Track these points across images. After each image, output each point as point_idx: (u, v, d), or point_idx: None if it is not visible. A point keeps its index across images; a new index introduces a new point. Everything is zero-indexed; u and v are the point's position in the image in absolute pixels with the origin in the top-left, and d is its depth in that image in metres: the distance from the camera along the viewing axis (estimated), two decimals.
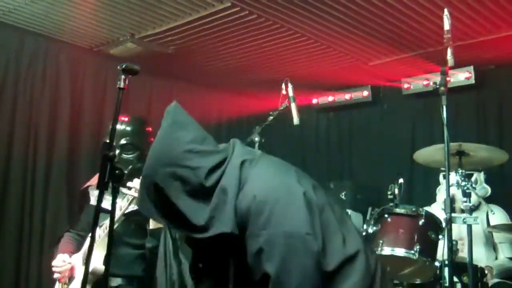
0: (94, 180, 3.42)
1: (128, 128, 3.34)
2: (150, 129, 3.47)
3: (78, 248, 3.32)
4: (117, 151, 3.25)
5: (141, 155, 3.35)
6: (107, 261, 1.93)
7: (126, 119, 3.36)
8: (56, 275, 3.17)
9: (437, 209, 4.17)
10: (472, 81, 5.07)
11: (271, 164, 1.88)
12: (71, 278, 3.16)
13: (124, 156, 3.29)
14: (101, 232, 3.06)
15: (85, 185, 3.44)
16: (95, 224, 1.91)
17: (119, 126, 3.28)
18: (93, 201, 3.31)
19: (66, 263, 3.16)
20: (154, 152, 1.82)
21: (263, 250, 1.66)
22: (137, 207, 3.10)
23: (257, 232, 1.67)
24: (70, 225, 3.53)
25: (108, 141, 2.13)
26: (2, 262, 4.39)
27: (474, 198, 3.86)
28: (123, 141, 3.29)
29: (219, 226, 1.69)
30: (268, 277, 1.65)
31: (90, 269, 2.89)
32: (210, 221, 1.70)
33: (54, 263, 3.18)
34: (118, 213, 3.04)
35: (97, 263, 2.95)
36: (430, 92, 4.90)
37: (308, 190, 1.75)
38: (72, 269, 3.15)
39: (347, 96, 6.09)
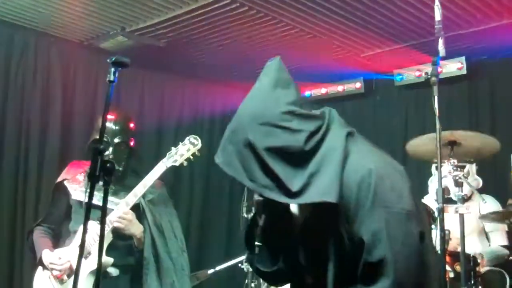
0: (68, 174, 3.45)
1: (118, 127, 3.39)
2: (133, 125, 3.51)
3: (54, 242, 3.34)
4: (111, 149, 3.29)
5: (130, 152, 3.41)
6: (100, 253, 1.92)
7: (113, 117, 3.39)
8: (55, 272, 3.17)
9: (429, 201, 4.18)
10: (464, 71, 5.08)
11: (367, 140, 1.84)
12: (70, 274, 3.16)
13: (119, 154, 3.33)
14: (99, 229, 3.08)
15: (60, 179, 3.46)
16: (87, 217, 1.90)
17: (109, 125, 3.31)
18: (74, 195, 3.33)
19: (65, 260, 3.16)
20: (248, 108, 1.72)
21: (379, 228, 1.57)
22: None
23: (374, 207, 1.58)
24: (40, 219, 3.53)
25: (97, 137, 2.13)
26: None
27: (466, 188, 3.86)
28: (116, 140, 3.34)
29: (318, 193, 1.59)
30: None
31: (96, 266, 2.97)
32: (305, 187, 1.60)
33: (50, 260, 3.18)
34: (125, 208, 3.16)
35: (102, 256, 2.99)
36: (422, 83, 4.89)
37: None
38: (71, 266, 3.15)
39: (339, 88, 6.10)
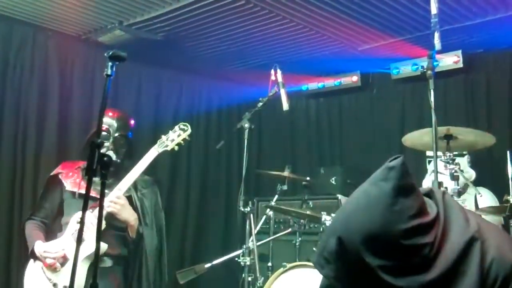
0: (62, 169, 3.52)
1: (120, 122, 3.49)
2: (133, 122, 3.61)
3: (46, 236, 3.39)
4: (111, 140, 3.38)
5: (129, 147, 3.48)
6: (97, 245, 1.94)
7: (114, 114, 3.50)
8: (49, 261, 3.20)
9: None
10: (460, 65, 5.10)
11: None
12: (63, 263, 3.19)
13: (118, 146, 3.43)
14: (93, 217, 3.11)
15: (54, 172, 3.50)
16: (84, 209, 1.92)
17: (110, 120, 3.40)
18: (68, 186, 3.39)
19: (59, 248, 3.19)
20: (361, 222, 1.41)
21: None
22: (125, 194, 3.23)
23: None
24: (32, 212, 3.56)
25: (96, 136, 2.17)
26: None
27: (461, 181, 3.89)
28: (117, 133, 3.45)
29: None
30: None
31: (90, 251, 3.01)
32: None
33: (44, 249, 3.21)
34: (118, 193, 3.22)
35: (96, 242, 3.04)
36: (419, 77, 4.92)
37: None
38: (64, 255, 3.19)
39: (336, 82, 6.10)
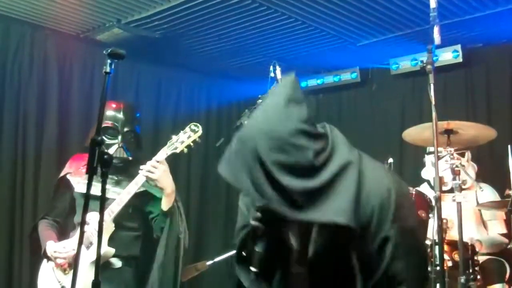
0: (70, 167, 3.46)
1: (127, 115, 3.38)
2: (139, 114, 3.52)
3: (59, 235, 3.35)
4: (120, 137, 3.29)
5: (138, 141, 3.42)
6: (99, 244, 1.93)
7: (120, 106, 3.39)
8: (59, 261, 3.18)
9: (426, 189, 4.19)
10: (460, 59, 5.08)
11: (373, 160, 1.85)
12: (71, 264, 3.17)
13: (128, 143, 3.33)
14: (106, 217, 3.08)
15: (63, 173, 3.47)
16: (85, 209, 1.91)
17: (116, 113, 3.32)
18: (77, 188, 3.33)
19: (69, 249, 3.17)
20: (260, 122, 1.68)
21: (392, 244, 1.66)
22: (143, 189, 3.18)
23: (394, 225, 1.66)
24: (45, 212, 3.54)
25: (98, 133, 2.13)
26: None
27: (463, 176, 3.88)
28: (126, 129, 3.34)
29: (331, 213, 1.59)
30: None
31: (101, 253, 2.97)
32: (317, 204, 1.60)
33: (54, 249, 3.19)
34: (127, 197, 3.13)
35: (104, 246, 3.00)
36: (418, 72, 4.89)
37: None
38: (74, 255, 3.17)
39: (335, 78, 6.09)
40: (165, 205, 3.19)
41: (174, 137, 3.20)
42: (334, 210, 1.59)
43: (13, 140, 4.58)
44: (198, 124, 3.20)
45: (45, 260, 3.29)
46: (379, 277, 1.66)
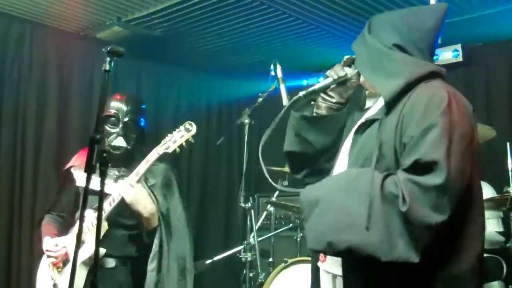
0: (76, 160, 3.43)
1: (129, 106, 3.31)
2: (145, 106, 3.48)
3: (61, 230, 3.32)
4: (121, 126, 3.25)
5: (141, 132, 3.37)
6: (97, 242, 1.92)
7: (124, 97, 3.35)
8: (50, 260, 3.17)
9: None
10: (460, 58, 5.08)
11: None
12: (65, 262, 3.16)
13: (128, 132, 3.29)
14: (95, 217, 3.06)
15: (67, 166, 3.44)
16: (83, 206, 1.91)
17: (120, 104, 3.28)
18: (78, 182, 3.31)
19: (60, 247, 3.15)
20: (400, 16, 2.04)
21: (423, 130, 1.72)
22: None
23: (443, 116, 1.74)
24: (50, 207, 3.52)
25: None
26: None
27: None
28: (126, 118, 3.28)
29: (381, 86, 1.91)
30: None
31: (91, 252, 2.94)
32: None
33: (46, 247, 3.17)
34: (118, 197, 3.06)
35: (94, 246, 2.96)
36: None
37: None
38: (66, 253, 3.15)
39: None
40: (144, 225, 3.13)
41: (168, 136, 3.13)
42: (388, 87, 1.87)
43: (12, 137, 4.58)
44: (193, 123, 3.12)
45: (44, 256, 3.27)
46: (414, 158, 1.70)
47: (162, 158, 3.19)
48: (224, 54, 5.60)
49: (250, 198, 4.13)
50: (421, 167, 1.66)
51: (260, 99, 4.08)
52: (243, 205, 4.02)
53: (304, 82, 6.32)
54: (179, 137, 3.11)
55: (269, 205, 4.69)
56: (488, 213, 4.26)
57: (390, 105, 1.86)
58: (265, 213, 4.83)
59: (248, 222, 4.07)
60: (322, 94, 2.23)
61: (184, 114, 5.62)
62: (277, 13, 4.51)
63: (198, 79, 6.20)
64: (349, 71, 2.21)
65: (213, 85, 6.31)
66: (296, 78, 6.16)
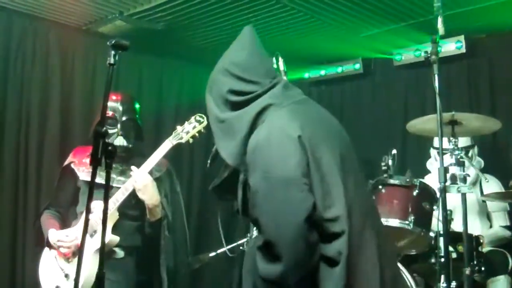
0: (74, 157, 3.49)
1: (125, 106, 3.44)
2: (138, 105, 3.54)
3: (61, 224, 3.38)
4: (119, 126, 3.33)
5: (138, 130, 3.45)
6: (103, 234, 1.94)
7: (118, 97, 3.43)
8: (63, 250, 3.20)
9: (431, 180, 4.19)
10: (463, 50, 5.06)
11: (291, 109, 1.93)
12: (75, 252, 3.19)
13: (127, 130, 3.36)
14: (110, 205, 3.11)
15: (66, 162, 3.49)
16: (89, 199, 1.92)
17: (115, 104, 3.36)
18: (82, 176, 3.36)
19: (73, 237, 3.19)
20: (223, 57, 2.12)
21: (256, 189, 1.77)
22: None
23: (255, 171, 1.79)
24: (48, 203, 3.57)
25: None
26: None
27: (471, 171, 3.90)
28: (124, 117, 3.39)
29: (224, 154, 1.95)
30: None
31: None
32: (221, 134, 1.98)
33: (58, 238, 3.21)
34: (131, 187, 3.20)
35: (108, 234, 3.05)
36: (422, 63, 4.89)
37: (306, 135, 1.81)
38: (78, 244, 3.18)
39: (338, 69, 6.07)
40: (149, 215, 3.27)
41: (179, 128, 3.25)
42: (228, 152, 1.94)
43: (15, 132, 4.58)
44: (203, 115, 3.24)
45: (46, 249, 3.31)
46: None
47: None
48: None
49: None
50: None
51: None
52: None
53: (306, 75, 6.31)
54: (191, 128, 3.23)
55: None
56: (494, 206, 4.27)
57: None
58: None
59: None
60: None
61: (186, 109, 5.60)
62: (279, 5, 4.49)
63: (200, 73, 6.17)
64: None
65: None
66: (298, 70, 6.16)
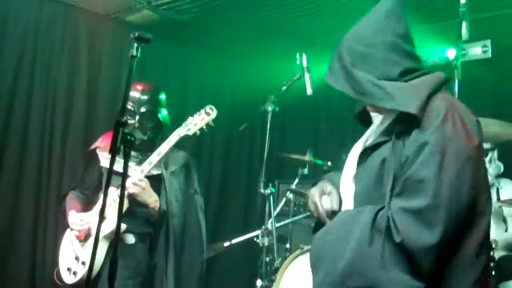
0: (101, 141, 3.51)
1: (146, 97, 3.40)
2: (164, 96, 3.54)
3: (84, 206, 3.42)
4: (137, 118, 3.33)
5: (158, 122, 3.42)
6: (119, 219, 2.00)
7: (141, 87, 3.41)
8: (74, 233, 3.27)
9: None
10: (489, 54, 5.01)
11: None
12: (87, 236, 3.26)
13: (144, 123, 3.36)
14: (117, 195, 3.15)
15: (93, 146, 3.52)
16: (107, 186, 1.97)
17: (137, 95, 3.35)
18: (103, 162, 3.39)
19: (84, 221, 3.25)
20: (356, 31, 1.94)
21: (430, 151, 1.64)
22: (154, 172, 3.26)
23: (438, 132, 1.66)
24: (74, 184, 3.63)
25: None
26: (20, 223, 4.51)
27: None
28: (142, 109, 3.36)
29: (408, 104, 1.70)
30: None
31: (110, 229, 3.06)
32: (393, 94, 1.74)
33: (71, 220, 3.27)
34: (139, 175, 3.20)
35: (115, 221, 3.07)
36: (445, 66, 4.86)
37: None
38: (89, 228, 3.26)
39: None
40: (153, 215, 3.30)
41: (189, 119, 3.22)
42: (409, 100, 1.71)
43: (42, 115, 4.66)
44: (213, 107, 3.21)
45: (68, 230, 3.37)
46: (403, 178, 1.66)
47: (183, 145, 3.25)
48: (251, 40, 5.61)
49: (270, 184, 4.14)
50: (409, 189, 1.63)
51: (285, 87, 4.10)
52: (262, 191, 4.05)
53: None
54: (200, 120, 3.18)
55: (288, 192, 4.73)
56: (510, 211, 4.24)
57: (394, 128, 1.80)
58: (284, 199, 4.87)
59: (267, 208, 4.11)
60: None
61: (209, 99, 5.65)
62: (305, 1, 4.50)
63: (224, 64, 6.23)
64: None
65: (239, 71, 6.33)
66: (321, 67, 6.14)
